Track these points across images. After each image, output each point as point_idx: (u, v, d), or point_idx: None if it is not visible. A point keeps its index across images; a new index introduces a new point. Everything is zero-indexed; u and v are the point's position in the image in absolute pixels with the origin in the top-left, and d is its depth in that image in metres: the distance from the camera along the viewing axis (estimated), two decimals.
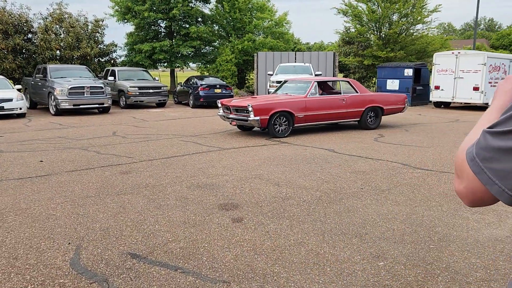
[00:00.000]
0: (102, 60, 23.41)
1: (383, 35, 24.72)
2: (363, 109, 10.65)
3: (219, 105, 10.41)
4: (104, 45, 23.31)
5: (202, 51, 26.86)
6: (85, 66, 17.95)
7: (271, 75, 18.60)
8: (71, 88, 14.36)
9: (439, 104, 17.97)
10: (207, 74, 26.85)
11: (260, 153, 7.88)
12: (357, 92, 10.74)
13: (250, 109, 9.34)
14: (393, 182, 5.80)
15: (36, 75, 16.29)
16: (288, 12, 30.28)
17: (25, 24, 20.83)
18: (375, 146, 8.62)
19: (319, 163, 6.97)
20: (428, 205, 4.79)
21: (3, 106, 13.21)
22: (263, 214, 4.47)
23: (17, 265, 3.29)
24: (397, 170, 6.51)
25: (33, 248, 3.59)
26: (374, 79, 24.92)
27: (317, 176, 6.09)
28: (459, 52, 17.14)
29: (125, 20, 25.03)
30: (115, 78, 18.08)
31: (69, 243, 3.69)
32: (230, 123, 10.17)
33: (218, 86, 17.87)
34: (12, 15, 20.29)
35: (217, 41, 28.25)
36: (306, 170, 6.50)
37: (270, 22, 28.81)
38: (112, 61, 23.91)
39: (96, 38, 22.79)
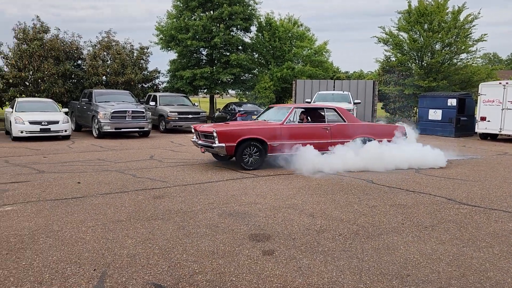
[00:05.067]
0: (146, 85, 24.16)
1: (425, 64, 24.13)
2: (350, 140, 9.45)
3: (193, 130, 9.70)
4: (147, 72, 24.10)
5: (241, 78, 27.23)
6: (128, 91, 18.56)
7: (309, 102, 18.46)
8: (113, 112, 14.81)
9: (485, 136, 17.09)
10: (246, 100, 27.09)
11: (295, 181, 7.65)
12: (344, 121, 9.70)
13: (215, 134, 8.60)
14: (437, 218, 5.40)
15: (82, 99, 16.99)
16: (328, 41, 30.30)
17: (75, 51, 21.94)
18: (417, 178, 8.18)
19: (357, 194, 6.65)
20: (477, 245, 4.38)
21: (49, 128, 13.76)
22: (295, 247, 4.23)
23: None
24: (442, 205, 6.09)
25: (58, 273, 3.52)
26: (415, 108, 24.19)
27: (354, 208, 5.78)
28: (507, 83, 16.36)
29: (169, 48, 25.86)
30: (156, 103, 18.54)
31: (95, 270, 3.61)
32: (200, 150, 9.39)
33: (255, 112, 17.92)
34: (64, 43, 21.45)
35: (257, 69, 28.57)
36: (343, 201, 6.20)
37: (309, 51, 28.88)
38: (154, 87, 24.63)
39: (140, 65, 23.62)
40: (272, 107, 10.48)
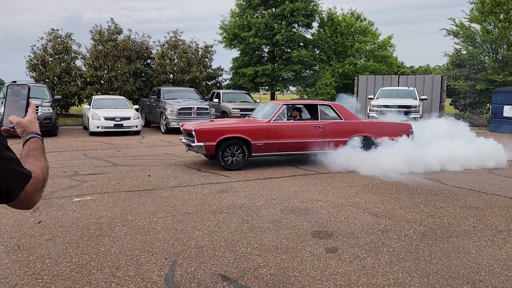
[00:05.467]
0: (209, 83, 24.90)
1: (500, 57, 22.49)
2: (347, 139, 8.87)
3: (181, 129, 9.24)
4: (211, 69, 24.81)
5: (302, 74, 27.13)
6: (194, 89, 19.24)
7: (372, 99, 17.97)
8: (180, 109, 15.44)
9: None
10: (306, 97, 26.94)
11: (357, 179, 7.53)
12: (340, 119, 9.04)
13: (193, 133, 8.20)
14: None
15: (151, 97, 17.90)
16: (393, 35, 29.20)
17: (145, 51, 23.15)
18: (489, 178, 7.71)
19: (423, 194, 6.41)
20: None
21: (122, 124, 14.67)
22: (359, 246, 4.20)
23: (118, 275, 3.48)
24: None
25: (133, 260, 3.79)
26: (488, 105, 22.67)
27: (421, 209, 5.59)
28: None
29: (232, 46, 26.40)
30: (219, 100, 19.03)
31: (166, 258, 3.83)
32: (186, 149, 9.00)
33: None
34: (135, 43, 22.70)
35: (318, 65, 28.29)
36: (408, 201, 6.02)
37: (372, 46, 28.08)
38: (218, 84, 25.29)
39: (205, 63, 24.37)
40: (266, 103, 9.86)
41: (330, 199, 6.09)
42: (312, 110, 9.33)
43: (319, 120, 8.95)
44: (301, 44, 26.97)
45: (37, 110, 13.31)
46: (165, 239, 4.35)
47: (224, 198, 6.10)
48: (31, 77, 21.41)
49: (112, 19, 22.77)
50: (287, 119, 8.96)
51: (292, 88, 31.42)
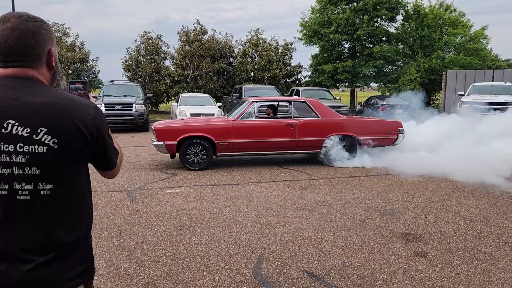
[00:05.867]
0: (289, 80, 25.02)
1: None
2: (324, 139, 8.33)
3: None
4: (291, 67, 24.90)
5: (384, 70, 26.13)
6: (274, 86, 19.48)
7: (463, 95, 16.77)
8: (260, 106, 15.72)
9: None
10: (388, 93, 25.90)
11: (446, 182, 7.11)
12: (317, 116, 8.45)
13: (153, 132, 8.02)
14: None
15: (233, 94, 18.46)
16: (487, 26, 26.88)
17: (228, 50, 23.93)
18: None
19: None
20: None
21: None
22: (451, 252, 3.99)
23: (209, 264, 3.68)
24: None
25: (222, 251, 3.98)
26: None
27: None
28: None
29: (312, 43, 26.22)
30: (299, 97, 19.06)
31: (253, 252, 3.97)
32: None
33: (399, 106, 17.03)
34: (218, 43, 23.57)
35: (401, 60, 27.04)
36: (506, 206, 5.57)
37: (463, 38, 26.13)
38: (297, 82, 25.33)
39: (284, 60, 24.54)
40: (244, 101, 9.21)
41: (417, 201, 5.85)
42: (286, 107, 8.86)
43: (292, 118, 8.48)
44: (384, 38, 25.97)
45: (131, 107, 14.41)
46: (251, 232, 4.49)
47: (306, 195, 6.14)
48: (126, 77, 23.22)
49: (198, 20, 23.88)
50: (260, 118, 8.68)
51: (373, 85, 30.41)
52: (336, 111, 17.42)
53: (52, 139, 1.27)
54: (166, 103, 25.05)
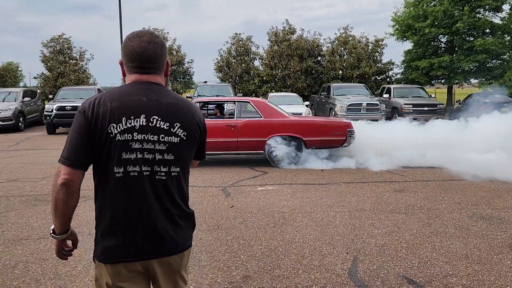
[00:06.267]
0: (379, 78, 24.14)
1: None
2: (265, 139, 8.11)
3: None
4: (381, 64, 23.99)
5: (487, 65, 23.96)
6: (363, 84, 18.94)
7: None
8: (349, 105, 15.41)
9: None
10: (491, 90, 23.69)
11: None
12: (260, 117, 8.26)
13: None
14: None
15: (321, 93, 18.31)
16: None
17: (316, 49, 23.80)
18: None
19: None
20: None
21: None
22: None
23: (304, 263, 3.72)
24: None
25: (316, 251, 3.99)
26: None
27: None
28: None
29: (404, 38, 24.97)
30: (390, 95, 18.30)
31: (347, 253, 3.92)
32: None
33: (505, 104, 15.52)
34: (307, 41, 23.55)
35: (508, 54, 24.56)
36: None
37: None
38: (388, 79, 24.33)
39: (375, 58, 23.72)
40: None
41: None
42: (229, 107, 8.87)
43: (234, 119, 8.38)
44: (487, 30, 23.80)
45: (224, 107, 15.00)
46: (344, 233, 4.44)
47: (401, 198, 5.89)
48: (217, 77, 24.24)
49: (286, 20, 24.12)
50: (208, 117, 8.71)
51: (473, 81, 28.03)
52: (430, 109, 16.60)
53: (183, 132, 1.64)
54: None
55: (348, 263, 3.70)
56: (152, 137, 1.58)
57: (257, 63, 24.51)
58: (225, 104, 10.41)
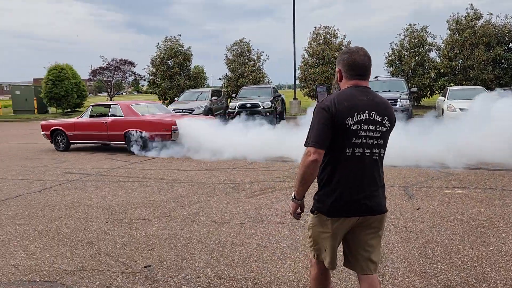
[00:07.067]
0: None
1: None
2: (122, 133, 10.56)
3: None
4: None
5: None
6: None
7: None
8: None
9: None
10: None
11: None
12: (122, 116, 10.74)
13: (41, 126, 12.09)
14: None
15: None
16: None
17: (507, 35, 20.68)
18: None
19: None
20: None
21: None
22: None
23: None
24: None
25: None
26: None
27: None
28: None
29: None
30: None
31: None
32: None
33: None
34: (496, 27, 20.65)
35: None
36: None
37: None
38: None
39: None
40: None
41: None
42: (108, 109, 11.26)
43: (108, 117, 10.97)
44: None
45: (396, 102, 14.34)
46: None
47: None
48: (388, 72, 23.20)
49: (471, 5, 21.47)
50: (92, 117, 11.48)
51: None
52: None
53: (388, 123, 2.21)
54: (428, 98, 23.76)
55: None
56: (372, 127, 2.14)
57: (433, 54, 22.60)
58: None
